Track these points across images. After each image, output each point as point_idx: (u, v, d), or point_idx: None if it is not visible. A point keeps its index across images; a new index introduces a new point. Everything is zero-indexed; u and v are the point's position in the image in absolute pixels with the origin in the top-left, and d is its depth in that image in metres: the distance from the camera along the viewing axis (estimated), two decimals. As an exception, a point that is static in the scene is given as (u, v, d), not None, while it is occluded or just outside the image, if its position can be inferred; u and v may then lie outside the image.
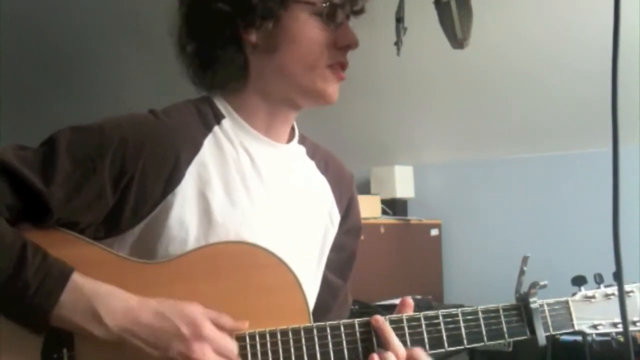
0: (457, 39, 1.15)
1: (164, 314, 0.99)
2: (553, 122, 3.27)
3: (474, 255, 3.57)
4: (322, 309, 1.25)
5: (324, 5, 1.13)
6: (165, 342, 0.98)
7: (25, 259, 0.97)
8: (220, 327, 1.02)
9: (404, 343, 1.09)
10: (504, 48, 3.00)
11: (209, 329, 1.00)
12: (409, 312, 1.14)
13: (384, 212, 3.48)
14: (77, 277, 1.00)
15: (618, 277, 0.86)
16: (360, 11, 1.19)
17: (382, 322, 1.09)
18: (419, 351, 1.09)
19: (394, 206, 3.59)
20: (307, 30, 1.13)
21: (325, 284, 1.27)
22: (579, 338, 1.21)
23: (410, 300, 1.16)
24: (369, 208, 3.30)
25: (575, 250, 3.13)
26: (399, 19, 1.22)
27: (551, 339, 2.44)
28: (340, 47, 1.15)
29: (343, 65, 1.17)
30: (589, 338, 1.21)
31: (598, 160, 2.21)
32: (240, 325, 1.03)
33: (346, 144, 3.56)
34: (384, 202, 3.51)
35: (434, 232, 3.65)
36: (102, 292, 1.00)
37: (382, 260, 3.23)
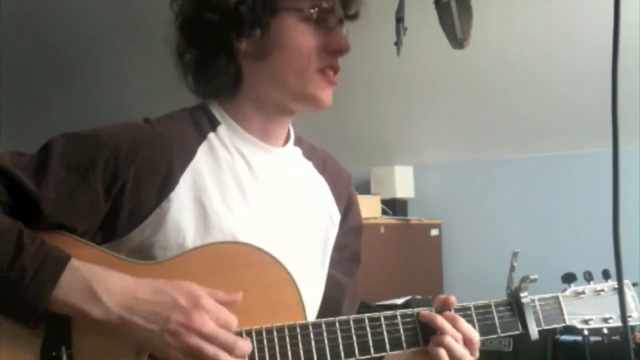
0: (457, 39, 1.15)
1: (161, 288, 1.01)
2: (553, 122, 3.27)
3: (474, 255, 3.57)
4: (334, 307, 1.26)
5: (312, 11, 1.14)
6: (164, 314, 0.99)
7: (22, 245, 0.98)
8: (216, 300, 1.03)
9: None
10: (505, 48, 3.00)
11: (207, 300, 1.01)
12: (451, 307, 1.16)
13: (384, 212, 3.48)
14: (74, 261, 1.01)
15: (618, 277, 0.86)
16: (354, 16, 1.20)
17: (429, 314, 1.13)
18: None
19: (394, 206, 3.60)
20: (296, 36, 1.14)
21: (332, 282, 1.28)
22: (579, 338, 1.21)
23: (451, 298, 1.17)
24: (369, 208, 3.30)
25: (574, 250, 3.13)
26: (399, 19, 1.21)
27: (551, 339, 2.45)
28: (331, 52, 1.16)
29: (334, 69, 1.17)
30: (588, 335, 1.22)
31: (598, 160, 2.21)
32: (233, 296, 1.04)
33: (346, 143, 3.56)
34: (384, 202, 3.52)
35: (434, 232, 3.66)
36: (98, 273, 1.01)
37: (382, 260, 3.24)
